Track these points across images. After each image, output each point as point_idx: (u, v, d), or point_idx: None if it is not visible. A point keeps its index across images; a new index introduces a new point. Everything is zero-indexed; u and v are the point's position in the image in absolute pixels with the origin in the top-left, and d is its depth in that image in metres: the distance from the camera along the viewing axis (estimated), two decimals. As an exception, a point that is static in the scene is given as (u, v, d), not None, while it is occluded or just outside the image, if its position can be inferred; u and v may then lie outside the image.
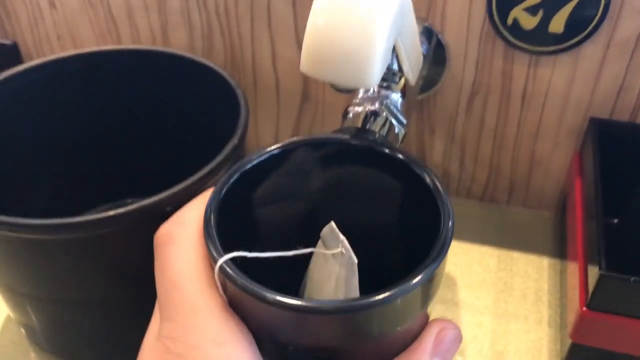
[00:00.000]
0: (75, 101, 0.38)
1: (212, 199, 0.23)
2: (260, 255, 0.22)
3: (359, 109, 0.32)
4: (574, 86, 0.38)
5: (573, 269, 0.34)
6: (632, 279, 0.29)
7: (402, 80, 0.33)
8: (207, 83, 0.36)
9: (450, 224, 0.22)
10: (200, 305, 0.21)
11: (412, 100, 0.36)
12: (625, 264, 0.30)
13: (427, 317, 0.24)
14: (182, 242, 0.22)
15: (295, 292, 0.27)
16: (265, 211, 0.26)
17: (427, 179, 0.24)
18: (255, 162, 0.24)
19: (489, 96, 0.40)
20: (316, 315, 0.20)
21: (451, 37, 0.39)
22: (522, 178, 0.44)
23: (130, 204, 0.26)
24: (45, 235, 0.27)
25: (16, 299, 0.32)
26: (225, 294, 0.21)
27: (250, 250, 0.21)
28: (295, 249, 0.23)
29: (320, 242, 0.25)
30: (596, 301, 0.30)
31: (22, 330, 0.37)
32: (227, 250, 0.21)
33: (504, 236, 0.43)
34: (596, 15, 0.35)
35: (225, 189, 0.23)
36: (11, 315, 0.37)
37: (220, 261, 0.20)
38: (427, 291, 0.22)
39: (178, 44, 0.45)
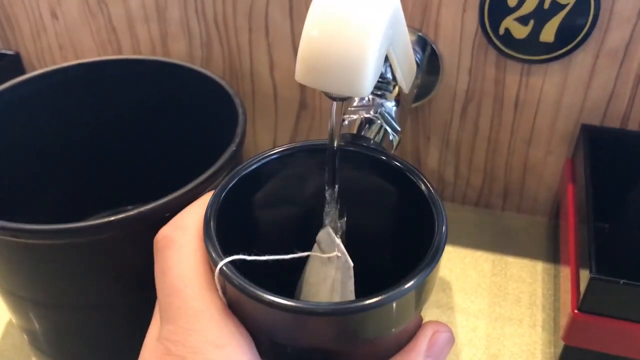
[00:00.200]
0: (76, 110, 0.39)
1: (212, 202, 0.23)
2: (259, 258, 0.22)
3: (354, 116, 0.33)
4: (565, 94, 0.39)
5: (565, 273, 0.35)
6: (622, 281, 0.29)
7: (396, 88, 0.34)
8: (206, 92, 0.37)
9: (444, 229, 0.22)
10: (200, 309, 0.21)
11: (406, 108, 0.36)
12: (616, 268, 0.30)
13: (421, 318, 0.24)
14: (182, 246, 0.22)
15: (292, 296, 0.27)
16: (264, 215, 0.27)
17: (421, 185, 0.24)
18: (254, 166, 0.25)
19: (482, 104, 0.41)
20: (312, 317, 0.20)
21: (445, 47, 0.39)
22: (516, 184, 0.44)
23: (130, 210, 0.27)
24: (46, 240, 0.27)
25: (18, 304, 0.33)
26: (224, 297, 0.22)
27: (248, 255, 0.22)
28: (293, 252, 0.24)
29: (315, 245, 0.25)
30: (587, 304, 0.31)
31: (24, 334, 0.37)
32: (226, 253, 0.21)
33: (499, 241, 0.44)
34: (586, 24, 0.36)
35: (225, 192, 0.24)
36: (13, 319, 0.37)
37: (221, 264, 0.21)
38: (421, 294, 0.22)
39: (177, 54, 0.46)
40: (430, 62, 0.40)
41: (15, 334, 0.38)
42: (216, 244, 0.22)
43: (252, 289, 0.20)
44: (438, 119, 0.43)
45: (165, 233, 0.23)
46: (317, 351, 0.22)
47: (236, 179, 0.24)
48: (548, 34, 0.36)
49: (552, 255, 0.43)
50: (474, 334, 0.38)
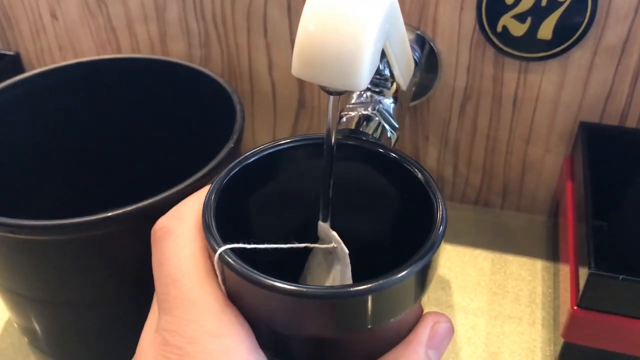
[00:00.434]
0: (75, 108, 0.39)
1: (211, 191, 0.23)
2: (258, 246, 0.22)
3: (352, 113, 0.33)
4: (563, 91, 0.39)
5: (565, 270, 0.35)
6: (620, 277, 0.29)
7: (394, 85, 0.34)
8: (205, 90, 0.37)
9: (443, 215, 0.22)
10: (198, 299, 0.21)
11: (404, 105, 0.36)
12: (615, 264, 0.30)
13: (421, 310, 0.24)
14: (180, 236, 0.22)
15: None
16: (262, 208, 0.27)
17: (419, 174, 0.24)
18: (254, 157, 0.25)
19: (480, 102, 0.41)
20: (310, 299, 0.20)
21: (443, 45, 0.39)
22: (515, 182, 0.44)
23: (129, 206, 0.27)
24: (45, 236, 0.27)
25: (16, 302, 0.33)
26: (224, 285, 0.21)
27: (247, 244, 0.22)
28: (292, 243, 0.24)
29: (320, 241, 0.26)
30: (586, 300, 0.31)
31: (23, 333, 0.37)
32: (225, 243, 0.21)
33: (498, 239, 0.44)
34: (583, 21, 0.36)
35: (224, 181, 0.24)
36: (12, 318, 0.37)
37: (220, 250, 0.21)
38: (420, 283, 0.22)
39: (177, 53, 0.46)
40: (428, 60, 0.40)
41: (14, 333, 0.38)
42: (215, 231, 0.21)
43: (252, 274, 0.20)
44: (436, 117, 0.43)
45: (163, 223, 0.23)
46: (316, 339, 0.22)
47: (236, 170, 0.24)
48: (546, 31, 0.36)
49: (552, 253, 0.43)
50: (473, 332, 0.38)
